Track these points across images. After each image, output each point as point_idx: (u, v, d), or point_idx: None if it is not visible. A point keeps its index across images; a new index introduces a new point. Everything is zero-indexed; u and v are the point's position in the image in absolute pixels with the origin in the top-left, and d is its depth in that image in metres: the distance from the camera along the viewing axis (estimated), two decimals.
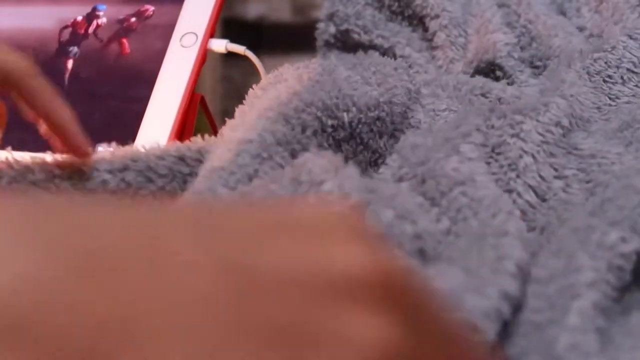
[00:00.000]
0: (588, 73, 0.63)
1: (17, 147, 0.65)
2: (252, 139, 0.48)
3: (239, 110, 0.56)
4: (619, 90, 0.62)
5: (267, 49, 0.95)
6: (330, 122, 0.51)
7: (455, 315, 0.33)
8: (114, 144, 0.64)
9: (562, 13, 0.74)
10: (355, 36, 0.79)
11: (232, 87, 0.64)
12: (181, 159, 0.54)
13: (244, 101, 0.59)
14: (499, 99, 0.64)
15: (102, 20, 0.70)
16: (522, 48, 0.72)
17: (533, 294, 0.38)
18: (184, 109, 0.65)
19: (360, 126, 0.53)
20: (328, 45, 0.79)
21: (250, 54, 0.68)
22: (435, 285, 0.36)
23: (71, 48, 0.69)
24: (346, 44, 0.80)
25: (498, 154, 0.50)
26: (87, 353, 0.22)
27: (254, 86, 0.59)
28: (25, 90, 0.52)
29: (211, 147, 0.54)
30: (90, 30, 0.70)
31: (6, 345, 0.21)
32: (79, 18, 0.71)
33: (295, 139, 0.49)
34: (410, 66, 0.72)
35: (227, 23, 0.83)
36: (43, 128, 0.54)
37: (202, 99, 0.67)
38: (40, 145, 0.66)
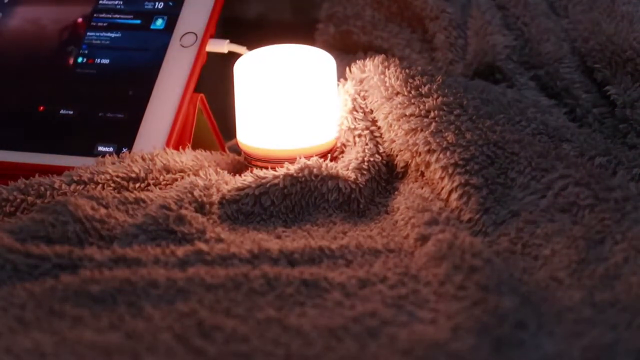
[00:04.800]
0: None
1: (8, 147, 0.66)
2: None
3: None
4: None
5: None
6: None
7: None
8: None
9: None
10: (355, 37, 0.79)
11: (232, 87, 0.64)
12: None
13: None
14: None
15: (102, 20, 0.70)
16: (520, 50, 0.72)
17: None
18: (184, 109, 0.65)
19: None
20: (328, 45, 0.80)
21: None
22: None
23: (71, 48, 0.69)
24: (346, 44, 0.80)
25: None
26: None
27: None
28: None
29: None
30: (90, 30, 0.70)
31: None
32: (79, 18, 0.71)
33: None
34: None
35: (227, 23, 0.83)
36: None
37: (202, 99, 0.67)
38: (35, 144, 0.66)
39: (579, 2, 0.72)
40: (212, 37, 0.67)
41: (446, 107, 0.60)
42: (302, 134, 0.61)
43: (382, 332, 0.43)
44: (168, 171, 0.59)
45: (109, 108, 0.66)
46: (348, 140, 0.63)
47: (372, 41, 0.78)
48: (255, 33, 0.73)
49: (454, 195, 0.55)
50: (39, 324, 0.43)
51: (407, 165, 0.61)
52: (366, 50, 0.78)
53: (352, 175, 0.59)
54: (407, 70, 0.63)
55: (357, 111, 0.64)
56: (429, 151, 0.57)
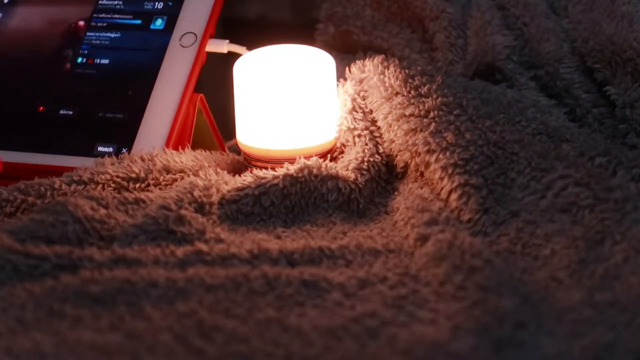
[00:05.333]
0: None
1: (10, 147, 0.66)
2: None
3: None
4: None
5: None
6: None
7: None
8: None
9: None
10: (355, 37, 0.79)
11: (232, 87, 0.64)
12: None
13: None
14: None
15: (102, 20, 0.70)
16: (519, 50, 0.72)
17: None
18: (184, 109, 0.65)
19: None
20: (327, 45, 0.80)
21: None
22: None
23: (71, 48, 0.69)
24: (346, 44, 0.80)
25: None
26: None
27: None
28: None
29: None
30: (90, 30, 0.70)
31: None
32: (79, 19, 0.71)
33: None
34: None
35: (227, 23, 0.83)
36: None
37: (202, 99, 0.67)
38: (35, 144, 0.66)
39: (579, 2, 0.72)
40: (211, 37, 0.67)
41: (446, 107, 0.60)
42: (302, 134, 0.61)
43: (382, 332, 0.43)
44: (168, 171, 0.59)
45: (109, 108, 0.66)
46: (348, 141, 0.63)
47: (372, 41, 0.78)
48: (255, 33, 0.73)
49: (454, 196, 0.55)
50: (39, 324, 0.43)
51: (406, 166, 0.61)
52: (366, 50, 0.78)
53: (352, 176, 0.59)
54: (406, 70, 0.63)
55: (356, 111, 0.64)
56: (428, 151, 0.57)
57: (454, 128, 0.58)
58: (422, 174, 0.59)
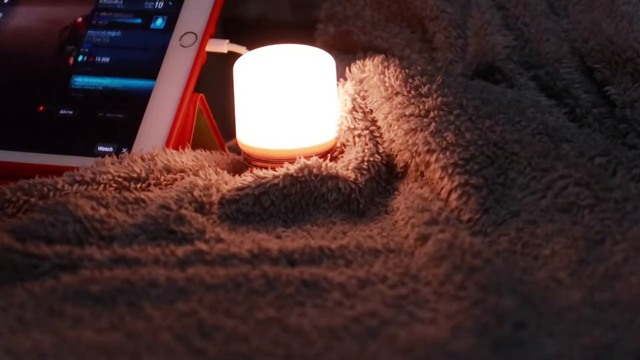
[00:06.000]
0: None
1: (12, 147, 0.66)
2: None
3: None
4: None
5: None
6: None
7: None
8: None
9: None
10: (355, 37, 0.79)
11: (232, 87, 0.64)
12: None
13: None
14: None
15: (102, 19, 0.70)
16: (520, 50, 0.72)
17: None
18: (184, 109, 0.65)
19: None
20: (327, 45, 0.80)
21: None
22: None
23: (71, 47, 0.69)
24: (346, 44, 0.80)
25: None
26: None
27: None
28: None
29: None
30: (90, 30, 0.70)
31: None
32: (79, 18, 0.71)
33: None
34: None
35: (227, 23, 0.83)
36: None
37: (202, 99, 0.67)
38: (35, 144, 0.66)
39: (579, 2, 0.72)
40: (212, 37, 0.68)
41: (446, 107, 0.60)
42: (302, 134, 0.61)
43: (382, 332, 0.43)
44: (169, 171, 0.59)
45: (109, 108, 0.66)
46: (348, 140, 0.63)
47: (372, 41, 0.78)
48: (255, 33, 0.73)
49: (454, 195, 0.55)
50: (39, 324, 0.43)
51: (406, 165, 0.61)
52: (366, 50, 0.78)
53: (352, 175, 0.59)
54: (406, 70, 0.63)
55: (356, 111, 0.64)
56: (428, 151, 0.58)
57: (454, 128, 0.58)
58: (422, 174, 0.59)
